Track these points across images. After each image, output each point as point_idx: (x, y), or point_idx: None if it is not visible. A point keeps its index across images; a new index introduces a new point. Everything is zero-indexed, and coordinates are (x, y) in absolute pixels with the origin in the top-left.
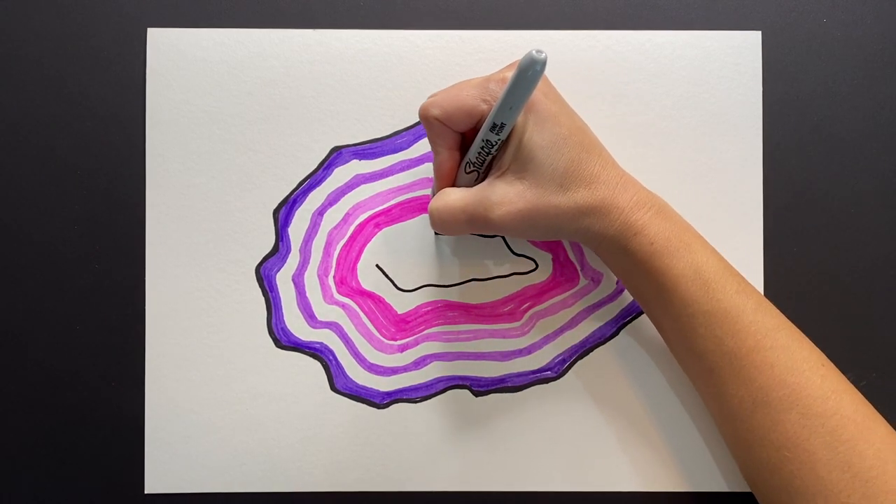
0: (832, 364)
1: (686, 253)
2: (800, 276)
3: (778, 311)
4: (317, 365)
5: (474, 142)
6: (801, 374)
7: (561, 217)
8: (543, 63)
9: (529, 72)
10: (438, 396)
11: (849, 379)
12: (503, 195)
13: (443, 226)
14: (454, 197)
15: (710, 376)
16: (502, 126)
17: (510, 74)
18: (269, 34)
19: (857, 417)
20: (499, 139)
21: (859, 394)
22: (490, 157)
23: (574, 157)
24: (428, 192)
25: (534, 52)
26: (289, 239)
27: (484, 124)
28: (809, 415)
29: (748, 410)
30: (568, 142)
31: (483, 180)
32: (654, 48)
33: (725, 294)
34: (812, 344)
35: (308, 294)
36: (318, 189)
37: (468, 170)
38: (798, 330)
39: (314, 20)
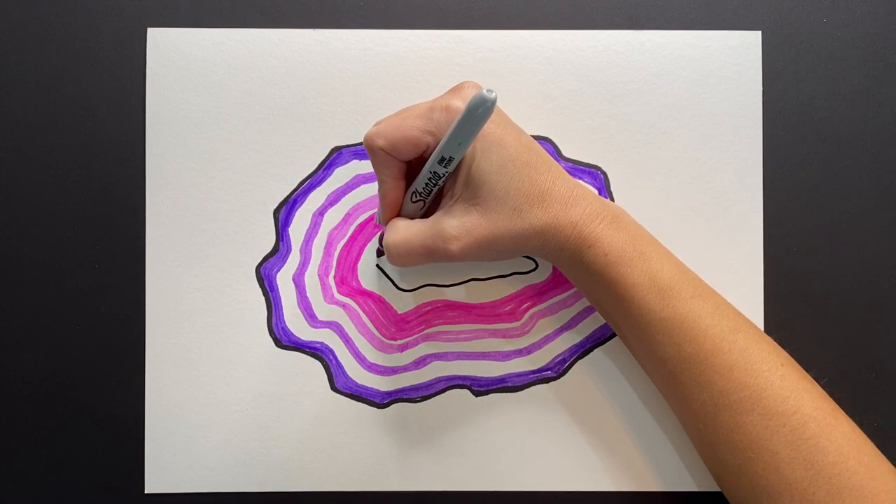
0: (794, 362)
1: (640, 262)
2: (800, 276)
3: (737, 311)
4: (317, 365)
5: (421, 172)
6: (759, 376)
7: (517, 239)
8: (493, 102)
9: (479, 110)
10: (438, 396)
11: (811, 376)
12: (459, 226)
13: (401, 260)
14: (412, 231)
15: (673, 382)
16: (451, 160)
17: (454, 102)
18: (269, 34)
19: (817, 415)
20: (447, 171)
21: (821, 391)
22: (437, 187)
23: (523, 176)
24: None
25: (484, 91)
26: (289, 239)
27: (431, 157)
28: (770, 415)
29: (711, 414)
30: (515, 162)
31: (429, 208)
32: (654, 48)
33: (681, 300)
34: (772, 343)
35: (308, 294)
36: (318, 189)
37: (414, 199)
38: (758, 329)
39: (314, 20)
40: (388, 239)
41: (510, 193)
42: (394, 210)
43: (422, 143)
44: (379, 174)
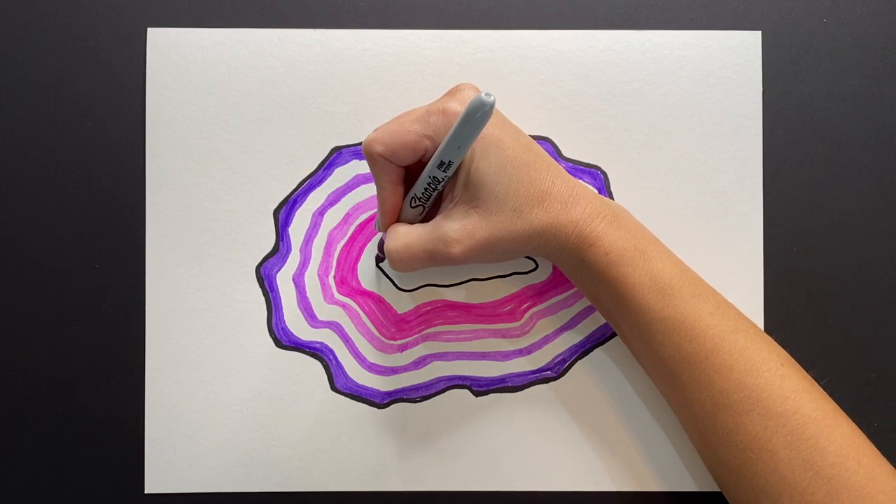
0: (794, 362)
1: (641, 261)
2: (800, 276)
3: (738, 311)
4: (317, 365)
5: (420, 178)
6: (759, 376)
7: (518, 240)
8: (492, 106)
9: (478, 114)
10: (438, 396)
11: (811, 376)
12: (460, 229)
13: (403, 266)
14: (413, 236)
15: (673, 381)
16: (450, 164)
17: (451, 106)
18: (269, 34)
19: (817, 416)
20: (446, 176)
21: (821, 391)
22: (437, 192)
23: (522, 176)
24: None
25: (483, 94)
26: (289, 239)
27: (430, 162)
28: (770, 415)
29: (710, 414)
30: (514, 163)
31: (428, 212)
32: (654, 48)
33: (681, 299)
34: (773, 343)
35: (308, 294)
36: (318, 189)
37: (413, 204)
38: (759, 329)
39: (314, 20)
40: (389, 245)
41: (510, 194)
42: (393, 216)
43: (420, 147)
44: (378, 180)
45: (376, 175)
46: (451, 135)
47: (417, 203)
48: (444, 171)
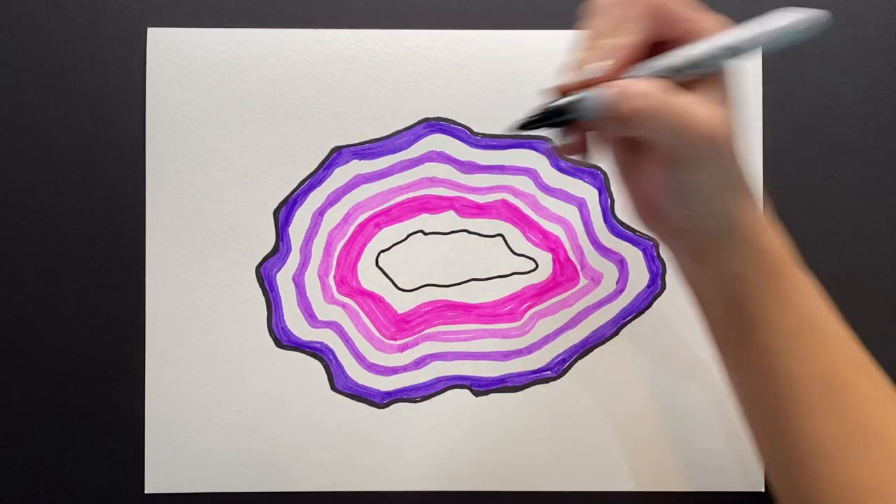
0: None
1: (802, 266)
2: None
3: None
4: (317, 365)
5: (676, 53)
6: (885, 410)
7: (737, 160)
8: (820, 25)
9: (806, 26)
10: (438, 396)
11: None
12: (708, 100)
13: (636, 115)
14: (655, 84)
15: (794, 405)
16: (739, 53)
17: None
18: (269, 34)
19: None
20: (721, 66)
21: None
22: (685, 75)
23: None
24: (439, 190)
25: (817, 12)
26: (289, 239)
27: (711, 42)
28: (892, 451)
29: (833, 446)
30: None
31: None
32: None
33: (836, 315)
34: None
35: (308, 294)
36: (318, 189)
37: (656, 75)
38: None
39: (314, 20)
40: (628, 84)
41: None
42: (623, 66)
43: (680, 23)
44: (624, 22)
45: (626, 13)
46: (763, 30)
47: (663, 76)
48: (729, 57)
